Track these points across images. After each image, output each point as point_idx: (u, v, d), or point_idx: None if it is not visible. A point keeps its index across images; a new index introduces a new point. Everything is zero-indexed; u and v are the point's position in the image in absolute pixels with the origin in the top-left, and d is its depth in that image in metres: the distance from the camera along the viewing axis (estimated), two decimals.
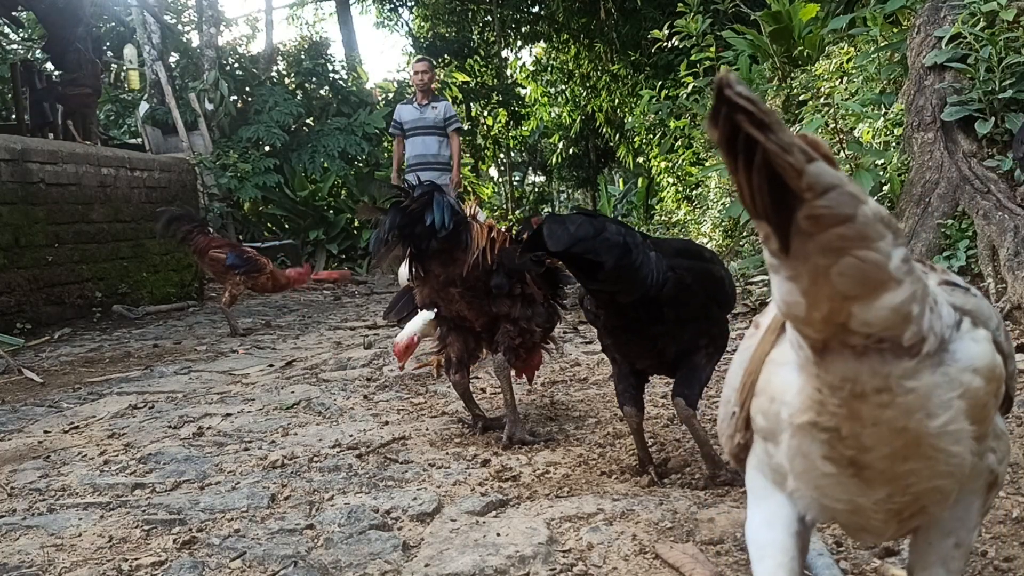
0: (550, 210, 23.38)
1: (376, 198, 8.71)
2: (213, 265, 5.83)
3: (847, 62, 6.48)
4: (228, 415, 3.31)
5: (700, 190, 9.07)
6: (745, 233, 6.43)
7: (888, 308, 0.88)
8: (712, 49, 8.13)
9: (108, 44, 14.50)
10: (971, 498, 1.10)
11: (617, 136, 17.45)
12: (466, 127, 19.53)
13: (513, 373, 2.98)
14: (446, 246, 2.52)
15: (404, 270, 4.20)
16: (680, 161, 9.77)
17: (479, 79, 19.42)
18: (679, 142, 9.65)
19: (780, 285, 0.91)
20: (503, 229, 2.69)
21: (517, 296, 2.67)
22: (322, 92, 13.52)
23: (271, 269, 6.02)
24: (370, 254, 2.63)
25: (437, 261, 2.58)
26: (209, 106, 11.90)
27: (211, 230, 6.20)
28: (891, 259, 0.87)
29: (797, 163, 0.80)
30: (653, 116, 10.22)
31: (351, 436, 2.89)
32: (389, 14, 21.64)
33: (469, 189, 15.70)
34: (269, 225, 12.11)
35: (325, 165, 12.05)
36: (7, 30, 15.54)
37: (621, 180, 18.99)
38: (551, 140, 22.32)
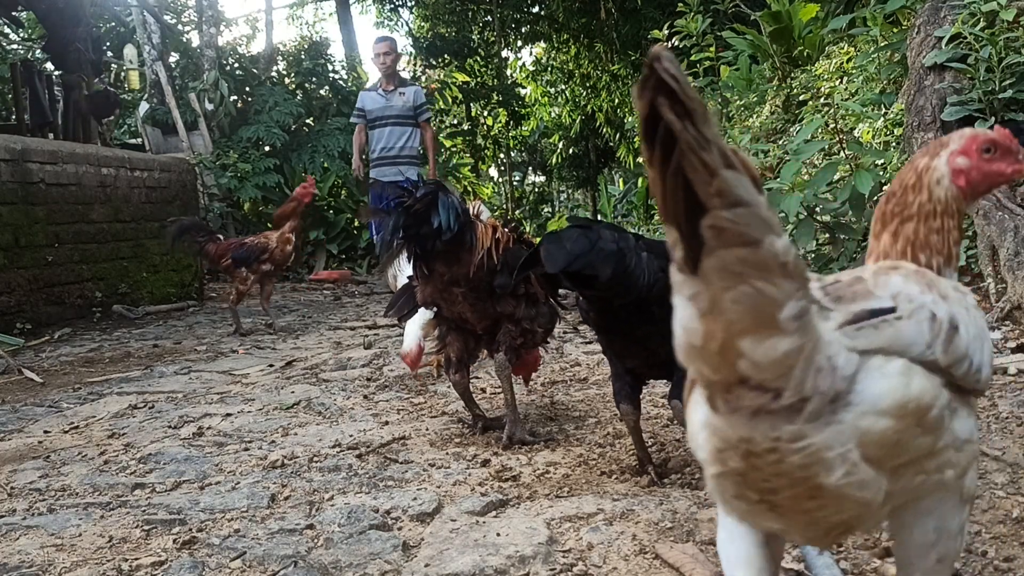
0: (550, 210, 23.41)
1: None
2: (227, 270, 5.84)
3: (847, 62, 6.48)
4: (228, 415, 3.32)
5: None
6: None
7: (777, 352, 0.85)
8: (712, 49, 8.14)
9: (108, 44, 14.50)
10: (949, 512, 1.07)
11: (617, 136, 17.46)
12: (466, 127, 19.54)
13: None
14: (451, 246, 2.52)
15: (391, 272, 4.19)
16: None
17: (479, 79, 19.42)
18: None
19: (681, 308, 0.88)
20: (507, 229, 2.69)
21: (521, 296, 2.67)
22: (322, 92, 13.50)
23: (273, 244, 5.81)
24: (373, 255, 2.65)
25: (441, 261, 2.57)
26: (209, 106, 11.90)
27: (221, 237, 6.13)
28: (785, 307, 0.83)
29: (712, 163, 0.76)
30: None
31: (351, 436, 2.89)
32: (389, 14, 21.63)
33: (471, 189, 15.70)
34: (269, 225, 12.08)
35: (325, 165, 12.04)
36: (7, 30, 15.54)
37: (621, 180, 18.99)
38: (551, 140, 22.32)
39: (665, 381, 3.11)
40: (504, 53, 20.78)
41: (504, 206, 21.32)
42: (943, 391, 1.01)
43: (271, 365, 4.48)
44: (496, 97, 19.43)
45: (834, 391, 0.92)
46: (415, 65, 19.51)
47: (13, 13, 11.00)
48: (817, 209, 4.55)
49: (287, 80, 13.71)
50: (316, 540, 1.95)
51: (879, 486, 0.98)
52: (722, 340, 0.85)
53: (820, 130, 4.95)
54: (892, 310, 1.01)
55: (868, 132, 5.45)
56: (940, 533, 1.08)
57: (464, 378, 2.84)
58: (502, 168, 23.34)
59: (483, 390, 3.60)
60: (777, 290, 0.82)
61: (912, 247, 1.22)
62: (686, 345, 0.89)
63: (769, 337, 0.84)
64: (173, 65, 13.41)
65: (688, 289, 0.85)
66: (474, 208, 2.84)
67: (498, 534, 1.91)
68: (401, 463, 2.56)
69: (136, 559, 1.88)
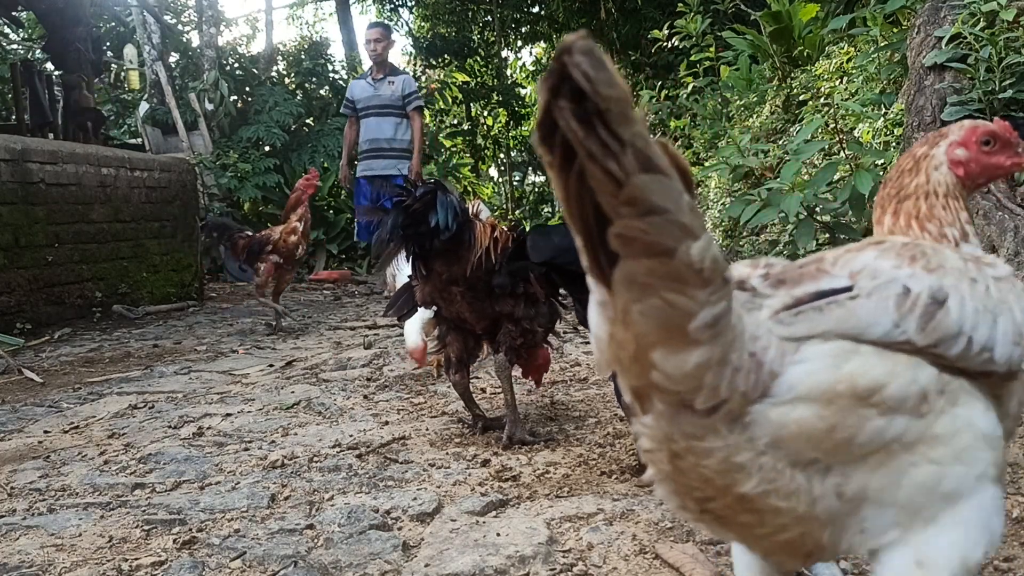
0: (550, 210, 23.40)
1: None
2: (247, 263, 5.78)
3: (847, 62, 6.48)
4: (228, 415, 3.31)
5: (700, 190, 9.08)
6: (745, 233, 6.44)
7: (688, 365, 0.80)
8: (712, 49, 8.15)
9: (108, 44, 14.51)
10: (932, 515, 0.90)
11: None
12: (466, 127, 19.54)
13: (519, 373, 2.97)
14: (449, 245, 2.52)
15: (390, 272, 4.18)
16: None
17: (479, 79, 19.43)
18: (679, 142, 9.65)
19: (592, 313, 0.83)
20: (506, 228, 2.69)
21: (520, 296, 2.66)
22: (322, 92, 13.51)
23: (276, 236, 5.74)
24: (371, 254, 2.66)
25: (441, 260, 2.57)
26: (209, 106, 11.90)
27: (250, 232, 5.99)
28: (697, 317, 0.77)
29: (620, 171, 0.68)
30: (653, 116, 10.22)
31: (351, 436, 2.89)
32: (389, 14, 21.63)
33: (471, 189, 15.71)
34: (269, 225, 12.10)
35: (325, 165, 12.04)
36: (7, 30, 15.54)
37: None
38: None
39: None
40: (504, 53, 20.78)
41: (504, 206, 21.33)
42: (922, 369, 0.90)
43: (271, 365, 4.48)
44: (496, 97, 19.45)
45: (761, 388, 0.85)
46: (415, 65, 19.53)
47: (13, 13, 11.00)
48: (817, 209, 4.55)
49: (287, 80, 13.71)
50: (316, 540, 1.95)
51: (813, 495, 0.87)
52: (633, 351, 0.81)
53: (820, 130, 4.94)
54: (847, 289, 0.91)
55: (868, 132, 5.45)
56: (925, 538, 0.91)
57: (464, 378, 2.84)
58: (502, 168, 23.34)
59: (483, 390, 3.60)
60: (689, 301, 0.76)
61: (916, 220, 1.16)
62: (598, 351, 0.85)
63: (680, 350, 0.79)
64: (173, 65, 13.41)
65: (598, 295, 0.80)
66: (474, 207, 2.83)
67: (498, 534, 1.91)
68: (401, 463, 2.56)
69: (136, 559, 1.88)
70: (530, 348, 2.80)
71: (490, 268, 2.58)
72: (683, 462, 0.89)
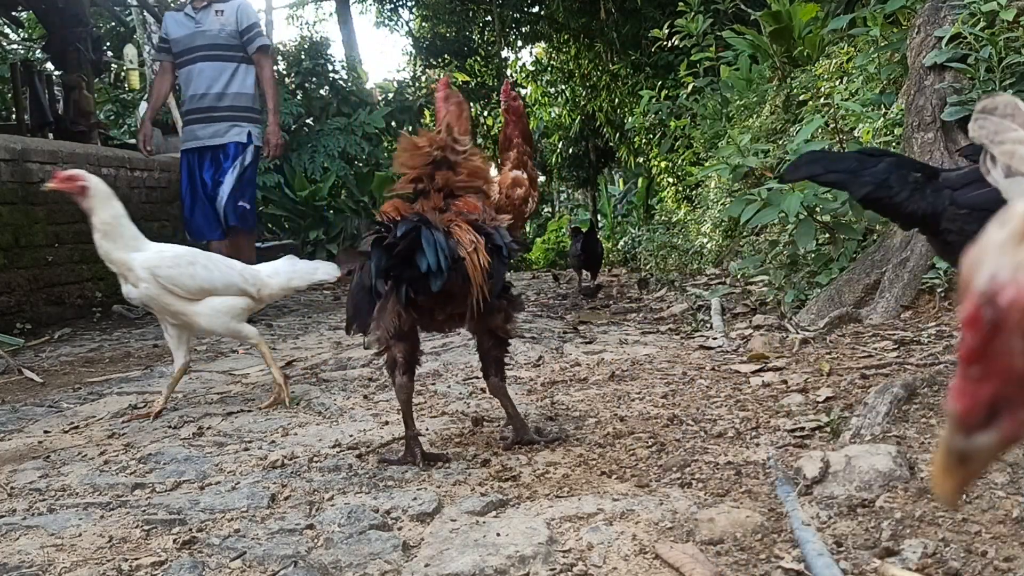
0: (549, 210, 23.40)
1: (378, 199, 8.42)
2: None
3: (847, 62, 6.48)
4: (228, 415, 3.32)
5: (700, 190, 9.09)
6: (745, 233, 6.44)
7: None
8: (712, 49, 8.16)
9: (108, 44, 14.52)
10: None
11: (617, 136, 17.48)
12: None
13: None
14: (445, 287, 2.27)
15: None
16: (680, 161, 9.78)
17: (479, 79, 19.44)
18: (679, 142, 9.65)
19: None
20: (476, 235, 2.31)
21: (503, 307, 2.53)
22: (322, 92, 13.48)
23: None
24: (347, 313, 2.27)
25: (438, 306, 2.40)
26: None
27: None
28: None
29: None
30: (653, 116, 10.23)
31: (351, 436, 2.89)
32: (389, 14, 21.65)
33: None
34: (269, 225, 12.09)
35: (325, 165, 12.03)
36: (7, 30, 15.55)
37: (621, 180, 18.98)
38: (551, 140, 22.34)
39: (665, 380, 3.09)
40: (504, 53, 20.79)
41: None
42: None
43: None
44: (496, 97, 19.45)
45: None
46: (415, 65, 19.53)
47: (13, 13, 11.01)
48: (817, 209, 4.55)
49: (287, 80, 13.70)
50: (316, 540, 1.95)
51: None
52: None
53: (820, 130, 4.94)
54: None
55: (868, 132, 5.44)
56: None
57: (410, 382, 2.55)
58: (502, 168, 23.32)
59: (483, 390, 3.59)
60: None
61: None
62: None
63: None
64: None
65: None
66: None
67: (498, 534, 1.91)
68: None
69: (136, 559, 1.88)
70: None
71: (487, 302, 2.37)
72: None
